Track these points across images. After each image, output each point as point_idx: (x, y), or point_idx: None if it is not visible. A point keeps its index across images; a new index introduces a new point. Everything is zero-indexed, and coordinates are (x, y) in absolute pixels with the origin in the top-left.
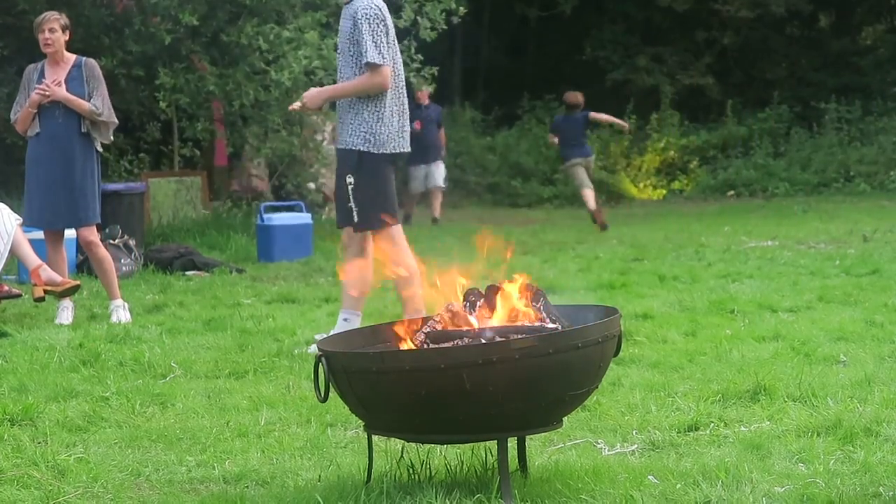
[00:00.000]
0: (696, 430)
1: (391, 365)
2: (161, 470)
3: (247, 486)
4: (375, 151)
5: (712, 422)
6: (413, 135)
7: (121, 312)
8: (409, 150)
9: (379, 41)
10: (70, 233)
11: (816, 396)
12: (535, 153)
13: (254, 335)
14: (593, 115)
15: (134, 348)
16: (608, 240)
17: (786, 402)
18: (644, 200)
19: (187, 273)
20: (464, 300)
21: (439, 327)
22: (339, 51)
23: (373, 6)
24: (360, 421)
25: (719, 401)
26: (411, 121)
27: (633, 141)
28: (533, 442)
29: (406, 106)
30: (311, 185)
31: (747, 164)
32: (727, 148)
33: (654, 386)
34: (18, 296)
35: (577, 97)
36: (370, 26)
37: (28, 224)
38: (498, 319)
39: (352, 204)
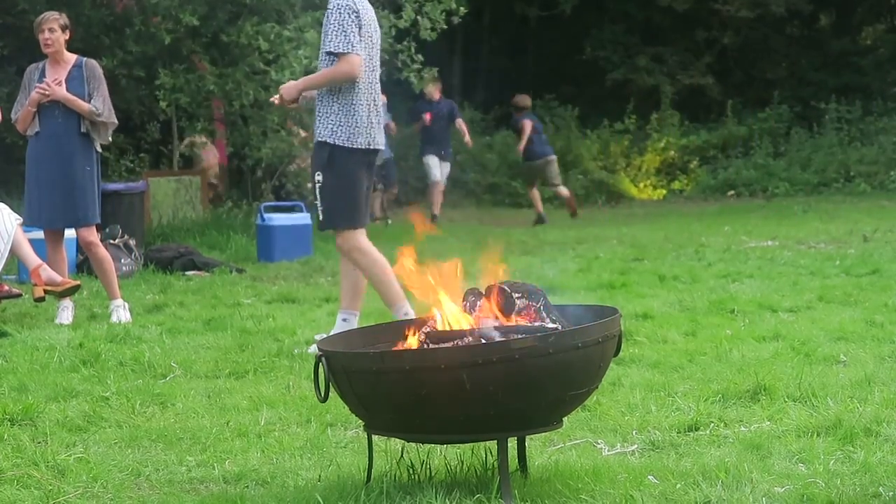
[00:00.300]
0: (696, 430)
1: (391, 365)
2: (161, 470)
3: (247, 486)
4: (346, 145)
5: (712, 422)
6: (424, 127)
7: (121, 312)
8: (383, 147)
9: (348, 31)
10: (70, 232)
11: (816, 396)
12: None
13: (254, 335)
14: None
15: (134, 348)
16: (608, 240)
17: (786, 402)
18: (644, 200)
19: (187, 273)
20: (463, 300)
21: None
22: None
23: None
24: (360, 421)
25: (719, 401)
26: (422, 113)
27: (633, 141)
28: (533, 442)
29: (379, 103)
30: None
31: (747, 164)
32: (727, 148)
33: (654, 386)
34: (19, 295)
35: (525, 100)
36: (339, 16)
37: (28, 223)
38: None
39: (318, 202)
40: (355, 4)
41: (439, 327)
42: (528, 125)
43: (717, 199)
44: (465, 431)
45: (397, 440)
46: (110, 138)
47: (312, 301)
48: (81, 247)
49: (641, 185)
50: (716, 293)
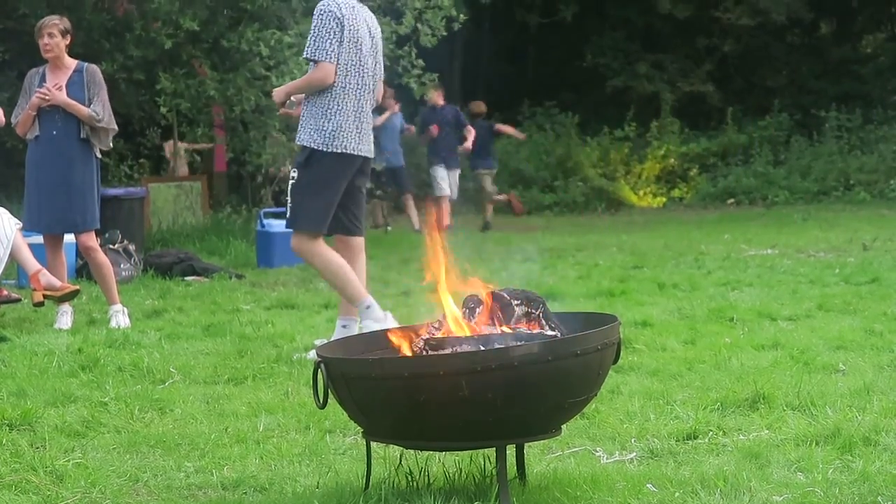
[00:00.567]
0: (694, 438)
1: (390, 371)
2: (159, 475)
3: (245, 493)
4: (324, 149)
5: (711, 430)
6: (432, 138)
7: (120, 317)
8: (372, 156)
9: (324, 38)
10: (70, 237)
11: (815, 405)
12: (535, 160)
13: (253, 341)
14: (498, 126)
15: (133, 353)
16: (608, 247)
17: (784, 410)
18: (644, 208)
19: (187, 278)
20: (462, 307)
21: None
22: None
23: (328, 3)
24: (359, 427)
25: (718, 409)
26: (429, 124)
27: (633, 148)
28: (531, 449)
29: (368, 111)
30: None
31: (747, 172)
32: (727, 156)
33: (653, 394)
34: (18, 300)
35: (480, 106)
36: (319, 22)
37: (27, 228)
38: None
39: (289, 198)
40: (339, 10)
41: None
42: (470, 132)
43: (717, 207)
44: (464, 438)
45: (396, 447)
46: (111, 144)
47: (311, 307)
48: (81, 252)
49: (641, 192)
50: (715, 301)
